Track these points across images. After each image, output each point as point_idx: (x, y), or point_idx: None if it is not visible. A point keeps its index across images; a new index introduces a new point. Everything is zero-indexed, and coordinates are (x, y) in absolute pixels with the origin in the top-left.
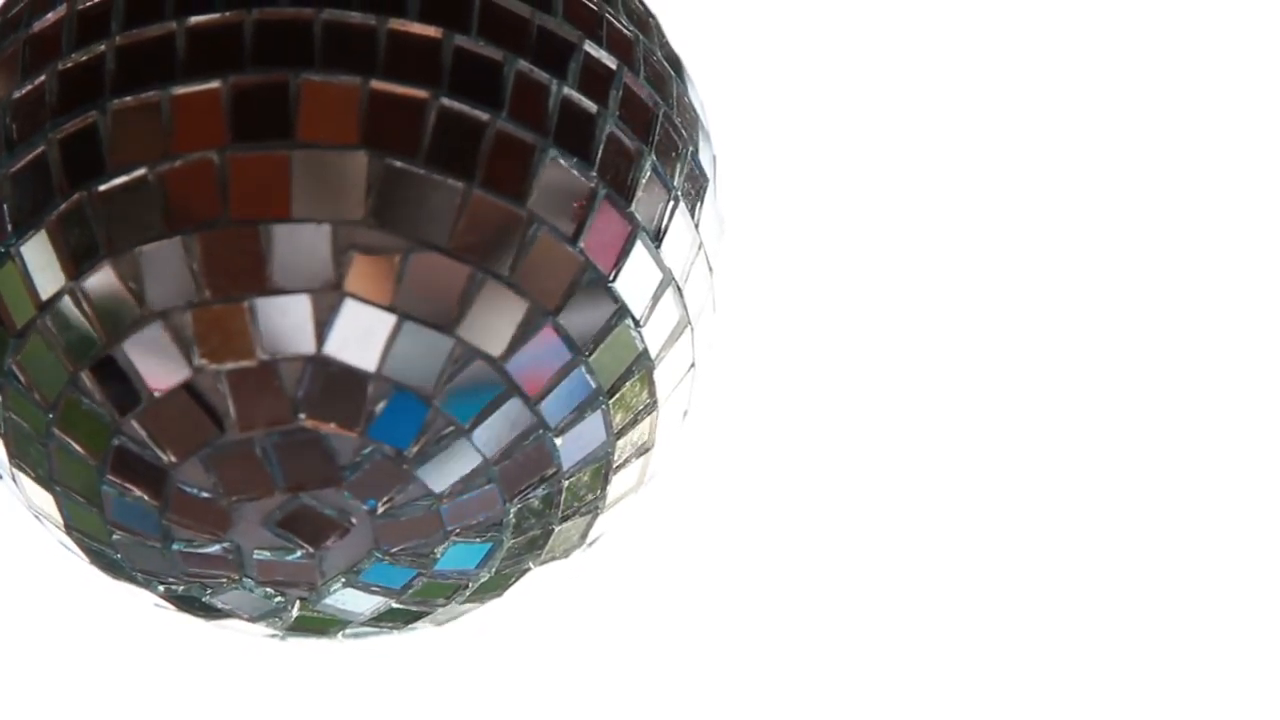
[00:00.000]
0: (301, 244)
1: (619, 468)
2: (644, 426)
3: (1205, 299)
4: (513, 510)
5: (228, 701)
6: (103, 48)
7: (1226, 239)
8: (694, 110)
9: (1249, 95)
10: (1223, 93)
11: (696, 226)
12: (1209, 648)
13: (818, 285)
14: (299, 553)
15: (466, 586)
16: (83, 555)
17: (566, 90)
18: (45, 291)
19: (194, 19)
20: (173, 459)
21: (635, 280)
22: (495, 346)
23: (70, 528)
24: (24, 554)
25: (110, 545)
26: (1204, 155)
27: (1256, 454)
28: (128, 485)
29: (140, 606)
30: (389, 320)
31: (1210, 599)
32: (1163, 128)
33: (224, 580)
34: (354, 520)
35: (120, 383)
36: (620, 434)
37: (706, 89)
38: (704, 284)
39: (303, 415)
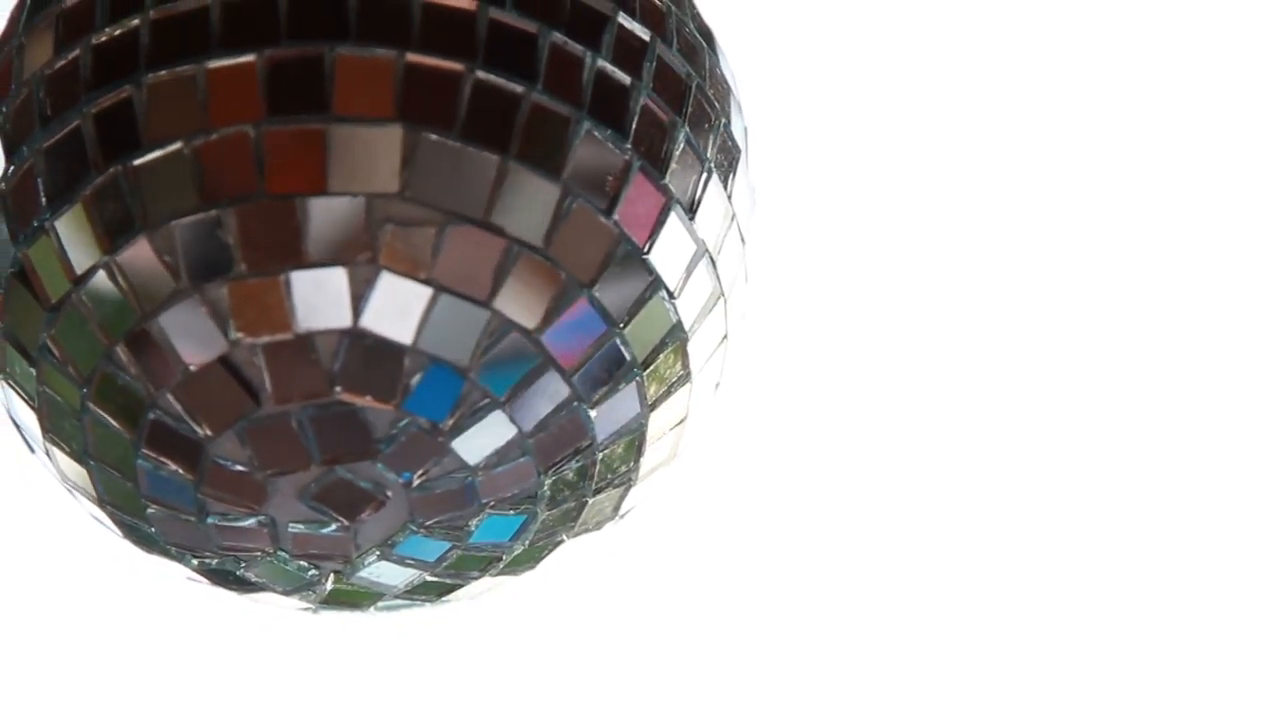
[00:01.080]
0: (337, 217)
1: (653, 440)
2: (677, 398)
3: (1223, 305)
4: (547, 482)
5: (260, 674)
6: (137, 21)
7: (1236, 242)
8: (726, 82)
9: (1250, 95)
10: (1230, 95)
11: (729, 198)
12: (1209, 648)
13: (849, 257)
14: (334, 526)
15: (501, 559)
16: (116, 529)
17: (601, 62)
18: (80, 266)
19: None
20: (208, 432)
21: (669, 252)
22: (530, 319)
23: (104, 502)
24: (52, 531)
25: (145, 519)
26: (1224, 163)
27: (1256, 454)
28: (163, 459)
29: (173, 580)
30: (425, 293)
31: (1210, 599)
32: (1197, 137)
33: (258, 554)
34: (389, 493)
35: (155, 357)
36: (654, 406)
37: (737, 61)
38: (737, 255)
39: (338, 388)
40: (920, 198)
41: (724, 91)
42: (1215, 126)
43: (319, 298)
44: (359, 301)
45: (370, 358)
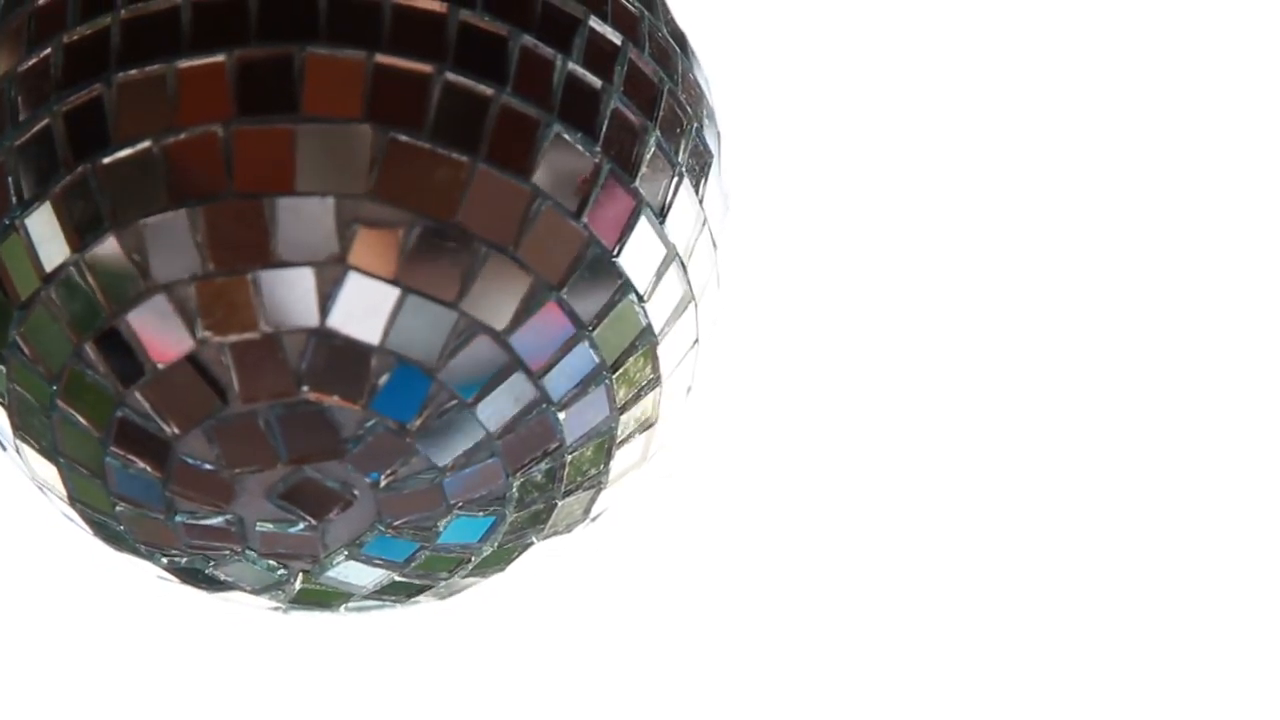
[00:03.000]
0: (305, 217)
1: (622, 443)
2: (647, 402)
3: (1205, 299)
4: (516, 484)
5: (230, 676)
6: (108, 21)
7: (1226, 239)
8: (699, 87)
9: (1249, 95)
10: (1223, 93)
11: (701, 202)
12: (1209, 648)
13: (821, 263)
14: (302, 525)
15: (469, 560)
16: (86, 527)
17: (571, 65)
18: (49, 263)
19: None
20: (176, 431)
21: (639, 256)
22: (499, 321)
23: (74, 499)
24: (25, 527)
25: (113, 517)
26: (1209, 158)
27: (1256, 454)
28: (131, 457)
29: (143, 579)
30: (393, 294)
31: (1210, 599)
32: (1181, 134)
33: (227, 552)
34: (357, 493)
35: (124, 354)
36: (624, 409)
37: (711, 66)
38: (708, 260)
39: (306, 388)
40: (895, 205)
41: (697, 96)
42: (1198, 124)
43: (287, 297)
44: (327, 301)
45: (338, 357)
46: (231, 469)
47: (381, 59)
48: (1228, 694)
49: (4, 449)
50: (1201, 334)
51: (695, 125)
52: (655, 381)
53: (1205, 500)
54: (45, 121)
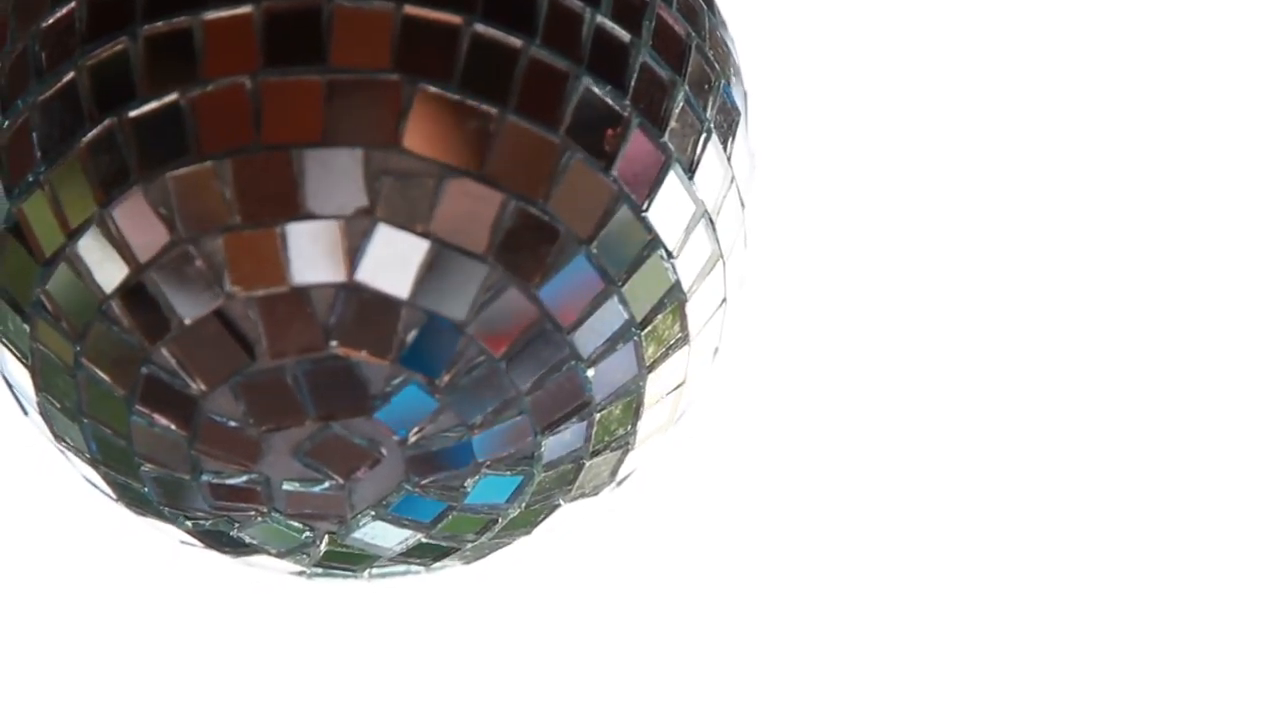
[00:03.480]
0: (334, 169)
1: (651, 403)
2: (676, 361)
3: (1226, 309)
4: (544, 443)
5: (250, 647)
6: None
7: (1236, 243)
8: (725, 45)
9: (1249, 95)
10: (1230, 95)
11: (729, 160)
12: (1209, 648)
13: (848, 226)
14: (328, 484)
15: (496, 521)
16: (109, 490)
17: (600, 18)
18: (75, 219)
19: None
20: (203, 387)
21: (668, 211)
22: (528, 274)
23: (97, 461)
24: (44, 499)
25: (138, 478)
26: (1225, 164)
27: (1256, 454)
28: (156, 415)
29: (165, 546)
30: (422, 246)
31: (1210, 599)
32: (1206, 143)
33: (252, 513)
34: (384, 451)
35: (150, 310)
36: (652, 367)
37: (736, 27)
38: (736, 219)
39: (334, 342)
40: (919, 172)
41: (724, 54)
42: (1221, 129)
43: (315, 250)
44: (355, 255)
45: (366, 312)
46: (258, 426)
47: (410, 10)
48: (1228, 694)
49: (25, 413)
50: (1217, 340)
51: (723, 82)
52: (684, 340)
53: (1205, 500)
54: (70, 76)
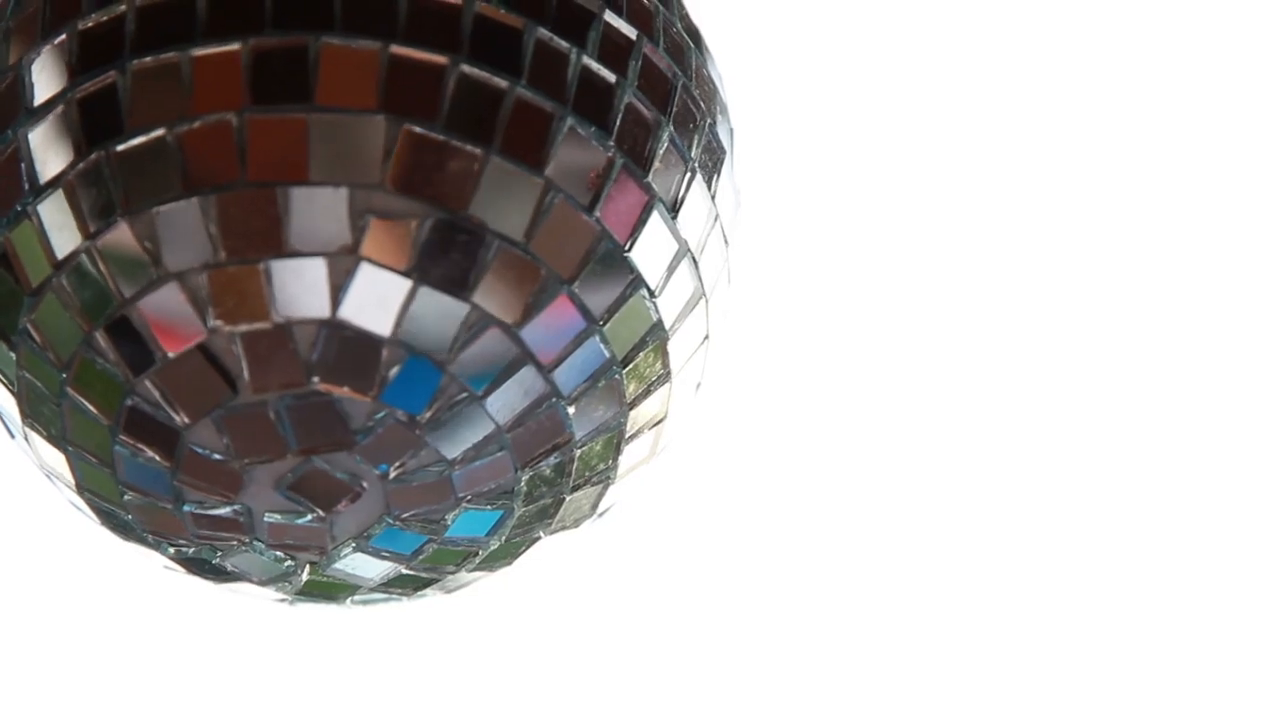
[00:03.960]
0: (318, 207)
1: (631, 438)
2: (657, 397)
3: (1219, 305)
4: (524, 478)
5: (234, 667)
6: (123, 8)
7: (1230, 240)
8: (712, 83)
9: (1249, 95)
10: (1226, 93)
11: (713, 198)
12: (1209, 648)
13: (834, 260)
14: (310, 516)
15: (477, 554)
16: (94, 516)
17: (586, 59)
18: (61, 250)
19: None
20: (185, 420)
21: (651, 251)
22: (510, 314)
23: (82, 488)
24: (31, 517)
25: (121, 506)
26: (1209, 162)
27: (1256, 454)
28: (140, 446)
29: (149, 569)
30: (404, 285)
31: (1210, 599)
32: (1196, 138)
33: (234, 543)
34: (365, 484)
35: (134, 343)
36: (633, 404)
37: (725, 63)
38: (719, 256)
39: (316, 378)
40: (905, 203)
41: (710, 92)
42: (1200, 125)
43: (298, 287)
44: (338, 292)
45: (348, 349)
46: (241, 459)
47: (396, 50)
48: (1228, 694)
49: (12, 437)
50: (1207, 337)
51: (708, 121)
52: (665, 377)
53: (1204, 500)
54: (60, 108)
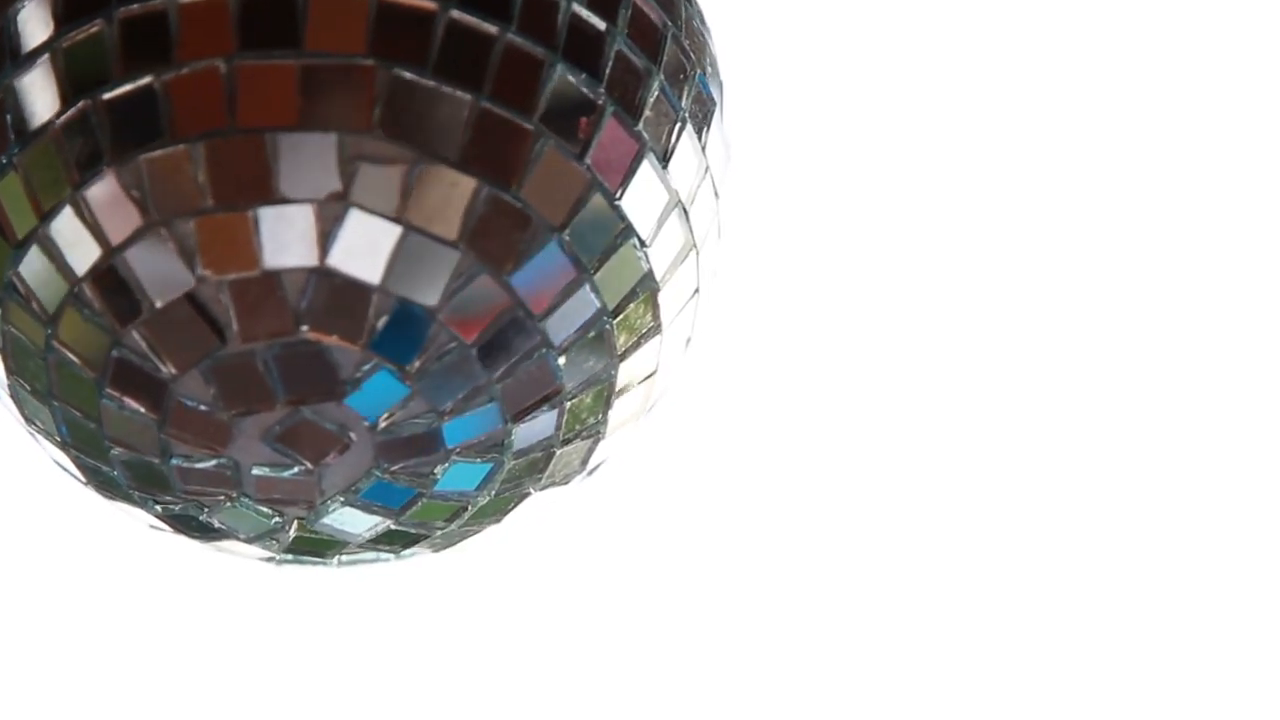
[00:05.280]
0: (307, 153)
1: (621, 391)
2: (648, 350)
3: (1205, 300)
4: (515, 430)
5: (220, 636)
6: None
7: (1226, 239)
8: (702, 35)
9: (1249, 96)
10: (1223, 93)
11: (703, 150)
12: (1209, 648)
13: (822, 218)
14: (298, 469)
15: (466, 509)
16: (79, 474)
17: (575, 6)
18: (47, 202)
19: None
20: (173, 371)
21: (642, 200)
22: (500, 261)
23: (67, 444)
24: (13, 483)
25: (108, 461)
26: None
27: (1256, 454)
28: (127, 398)
29: (134, 531)
30: (394, 232)
31: (1210, 599)
32: (1184, 137)
33: (221, 498)
34: (354, 436)
35: (121, 293)
36: (624, 356)
37: (713, 18)
38: (710, 209)
39: (305, 327)
40: (894, 161)
41: (700, 44)
42: (1198, 125)
43: (287, 234)
44: (327, 239)
45: (337, 297)
46: (228, 410)
47: None
48: (1228, 694)
49: None
50: (1200, 335)
51: (698, 72)
52: (655, 329)
53: (1205, 500)
54: (46, 57)
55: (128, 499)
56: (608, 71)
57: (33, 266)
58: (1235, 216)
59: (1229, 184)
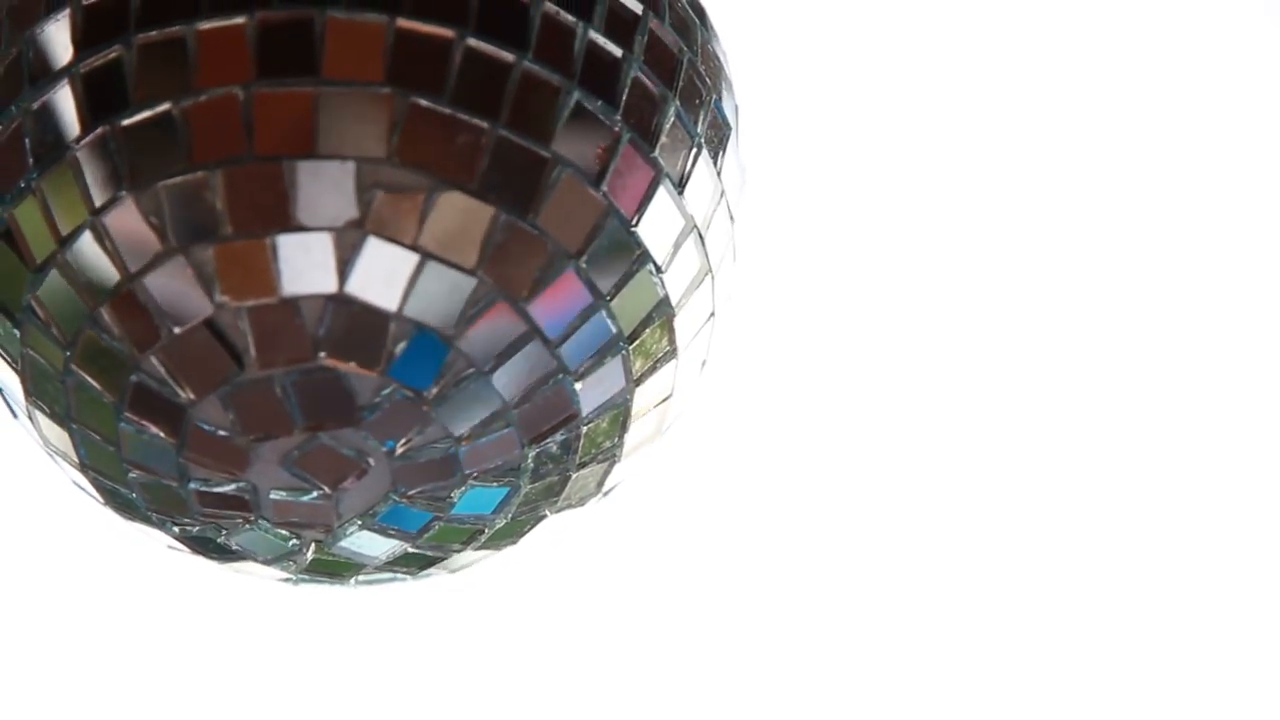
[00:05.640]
0: (325, 181)
1: (638, 415)
2: (663, 374)
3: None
4: (531, 455)
5: (236, 652)
6: None
7: (1237, 245)
8: (717, 59)
9: (1250, 96)
10: (1230, 97)
11: (719, 175)
12: (1209, 648)
13: (837, 240)
14: (315, 493)
15: (483, 532)
16: (97, 495)
17: (592, 33)
18: (66, 226)
19: None
20: (191, 396)
21: (657, 226)
22: (517, 289)
23: (86, 467)
24: (34, 499)
25: (126, 485)
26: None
27: (1257, 454)
28: (145, 422)
29: (153, 550)
30: (411, 259)
31: (1210, 599)
32: (1201, 142)
33: (239, 521)
34: (372, 461)
35: (140, 319)
36: (639, 381)
37: (729, 41)
38: (725, 233)
39: (323, 354)
40: (909, 184)
41: (715, 68)
42: (1214, 131)
43: (305, 261)
44: (345, 266)
45: (355, 324)
46: (246, 435)
47: (403, 23)
48: (1228, 694)
49: (15, 416)
50: (1215, 346)
51: (714, 97)
52: (671, 354)
53: (1206, 501)
54: (65, 82)
55: (146, 520)
56: (624, 98)
57: (52, 291)
58: (1256, 229)
59: (1253, 196)
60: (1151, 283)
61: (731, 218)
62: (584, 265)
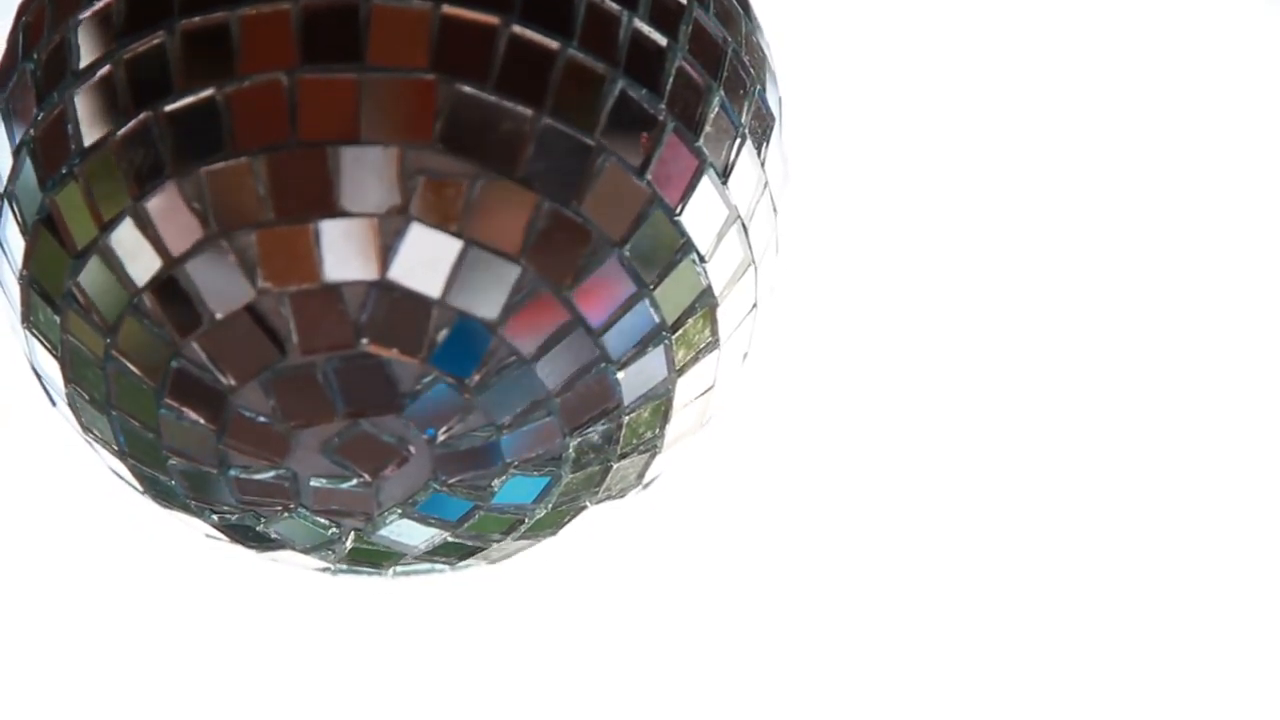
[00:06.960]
0: (369, 167)
1: (679, 406)
2: (705, 365)
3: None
4: (572, 445)
5: (272, 640)
6: None
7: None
8: (762, 50)
9: (1251, 97)
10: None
11: (762, 165)
12: (1209, 648)
13: (880, 235)
14: (356, 481)
15: (523, 521)
16: (135, 483)
17: (637, 22)
18: (108, 212)
19: None
20: (232, 382)
21: (701, 215)
22: (560, 276)
23: (125, 453)
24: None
25: (165, 471)
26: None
27: (1257, 454)
28: (185, 409)
29: (190, 539)
30: (455, 246)
31: (1210, 599)
32: (1227, 153)
33: (279, 509)
34: (413, 449)
35: (181, 304)
36: (681, 371)
37: (772, 34)
38: (768, 225)
39: (365, 340)
40: (952, 179)
41: (760, 60)
42: (1237, 138)
43: (348, 248)
44: (388, 253)
45: (398, 310)
46: (287, 422)
47: (448, 10)
48: (1228, 694)
49: (53, 403)
50: (1244, 350)
51: (758, 87)
52: (714, 344)
53: (1208, 502)
54: (107, 69)
55: (185, 508)
56: (669, 87)
57: (93, 276)
58: (1249, 223)
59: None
60: (1199, 295)
61: (775, 209)
62: (627, 254)
